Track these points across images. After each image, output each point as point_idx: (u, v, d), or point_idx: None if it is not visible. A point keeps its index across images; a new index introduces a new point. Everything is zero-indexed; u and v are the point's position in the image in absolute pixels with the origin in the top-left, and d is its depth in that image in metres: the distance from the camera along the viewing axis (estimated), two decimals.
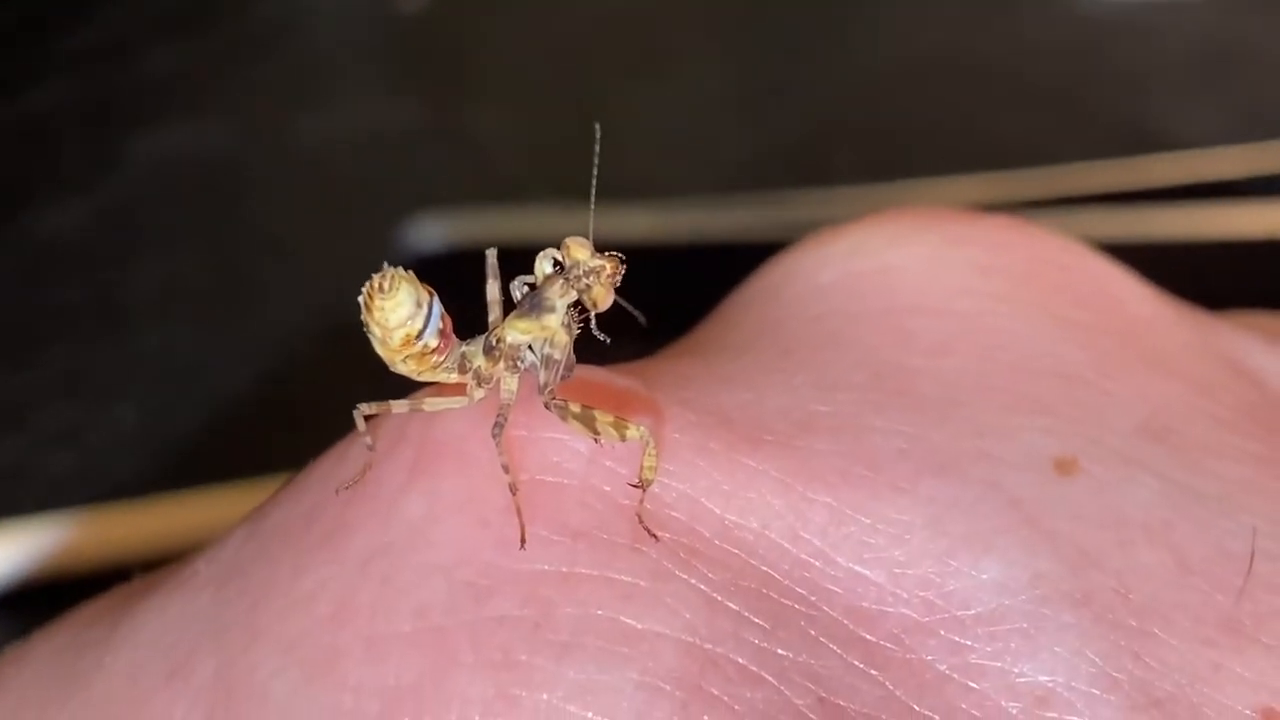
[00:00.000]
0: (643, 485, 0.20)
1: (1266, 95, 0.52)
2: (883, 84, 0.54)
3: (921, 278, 0.24)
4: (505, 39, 0.56)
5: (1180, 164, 0.46)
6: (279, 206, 0.50)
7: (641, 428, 0.20)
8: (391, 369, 0.21)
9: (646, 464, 0.20)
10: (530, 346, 0.21)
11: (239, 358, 0.45)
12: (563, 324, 0.21)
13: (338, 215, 0.50)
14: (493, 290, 0.22)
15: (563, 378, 0.21)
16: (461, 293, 0.23)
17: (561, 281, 0.21)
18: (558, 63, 0.56)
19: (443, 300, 0.21)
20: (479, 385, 0.21)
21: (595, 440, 0.20)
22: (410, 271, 0.21)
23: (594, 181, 0.21)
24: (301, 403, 0.44)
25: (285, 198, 0.51)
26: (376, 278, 0.20)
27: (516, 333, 0.21)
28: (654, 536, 0.20)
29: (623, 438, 0.20)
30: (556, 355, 0.21)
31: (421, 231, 0.49)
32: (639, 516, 0.20)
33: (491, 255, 0.22)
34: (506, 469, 0.20)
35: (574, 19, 0.58)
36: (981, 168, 0.48)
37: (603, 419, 0.20)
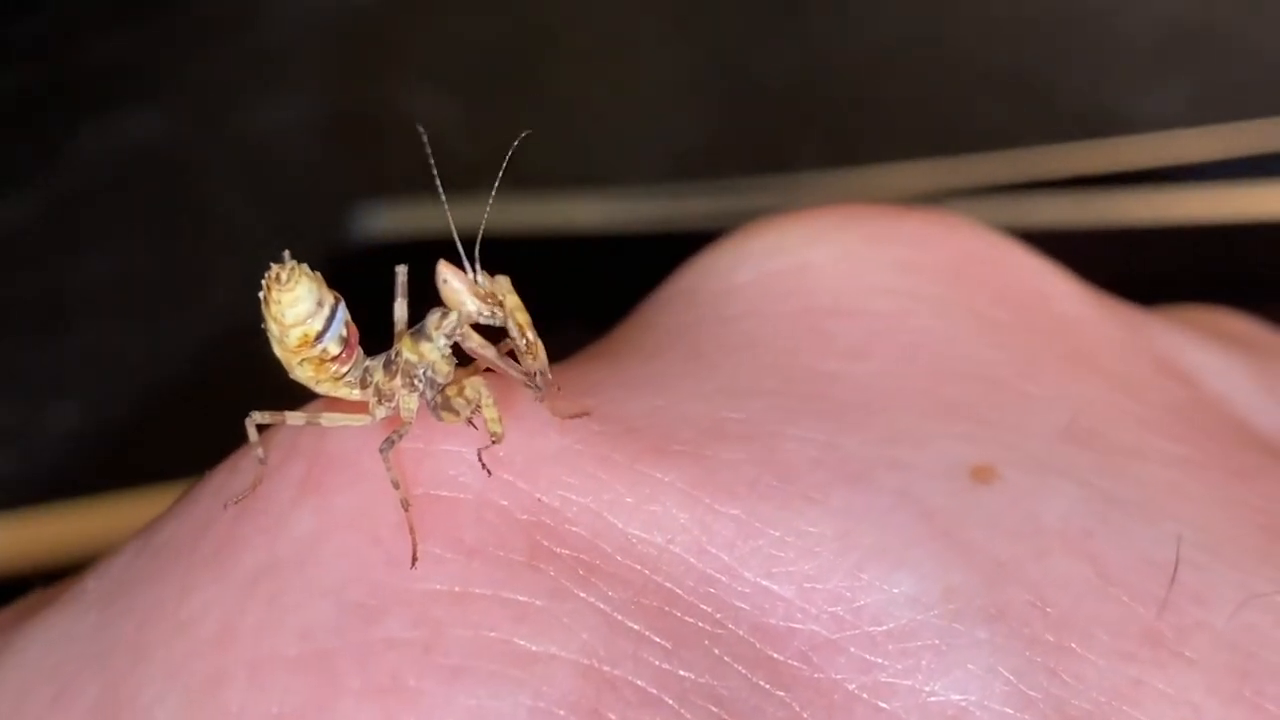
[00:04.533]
0: (495, 440, 0.19)
1: (1232, 77, 0.51)
2: (845, 68, 0.54)
3: (839, 277, 0.23)
4: (459, 25, 0.56)
5: (1144, 147, 0.46)
6: (229, 198, 0.50)
7: (475, 381, 0.19)
8: (289, 373, 0.21)
9: (490, 416, 0.19)
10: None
11: (186, 355, 0.44)
12: (442, 355, 0.20)
13: (290, 206, 0.50)
14: (400, 309, 0.21)
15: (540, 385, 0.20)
16: (411, 283, 0.22)
17: (439, 316, 0.20)
18: (512, 49, 0.55)
19: (390, 292, 0.20)
20: (380, 403, 0.20)
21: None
22: (318, 272, 0.20)
23: (490, 199, 0.21)
24: (251, 401, 0.43)
25: (236, 189, 0.50)
26: (275, 268, 0.20)
27: (408, 351, 0.20)
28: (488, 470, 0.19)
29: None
30: (439, 380, 0.20)
31: (375, 221, 0.48)
32: (481, 460, 0.19)
33: (402, 274, 0.21)
34: (397, 484, 0.19)
35: (529, 4, 0.57)
36: (944, 153, 0.47)
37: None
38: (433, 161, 0.21)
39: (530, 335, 0.20)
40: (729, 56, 0.54)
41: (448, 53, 0.55)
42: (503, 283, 0.20)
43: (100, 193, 0.48)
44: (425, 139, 0.21)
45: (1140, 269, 0.44)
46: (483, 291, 0.20)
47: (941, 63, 0.52)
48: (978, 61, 0.52)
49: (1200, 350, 0.24)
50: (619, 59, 0.54)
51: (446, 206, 0.21)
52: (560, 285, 0.43)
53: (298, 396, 0.21)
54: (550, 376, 0.20)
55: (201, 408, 0.42)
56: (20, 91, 0.51)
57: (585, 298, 0.40)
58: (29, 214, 0.48)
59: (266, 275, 0.20)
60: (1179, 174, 0.45)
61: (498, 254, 0.22)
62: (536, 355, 0.20)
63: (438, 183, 0.21)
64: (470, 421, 0.19)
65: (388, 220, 0.48)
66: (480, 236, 0.21)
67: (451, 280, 0.20)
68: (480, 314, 0.20)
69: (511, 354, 0.20)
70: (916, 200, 0.45)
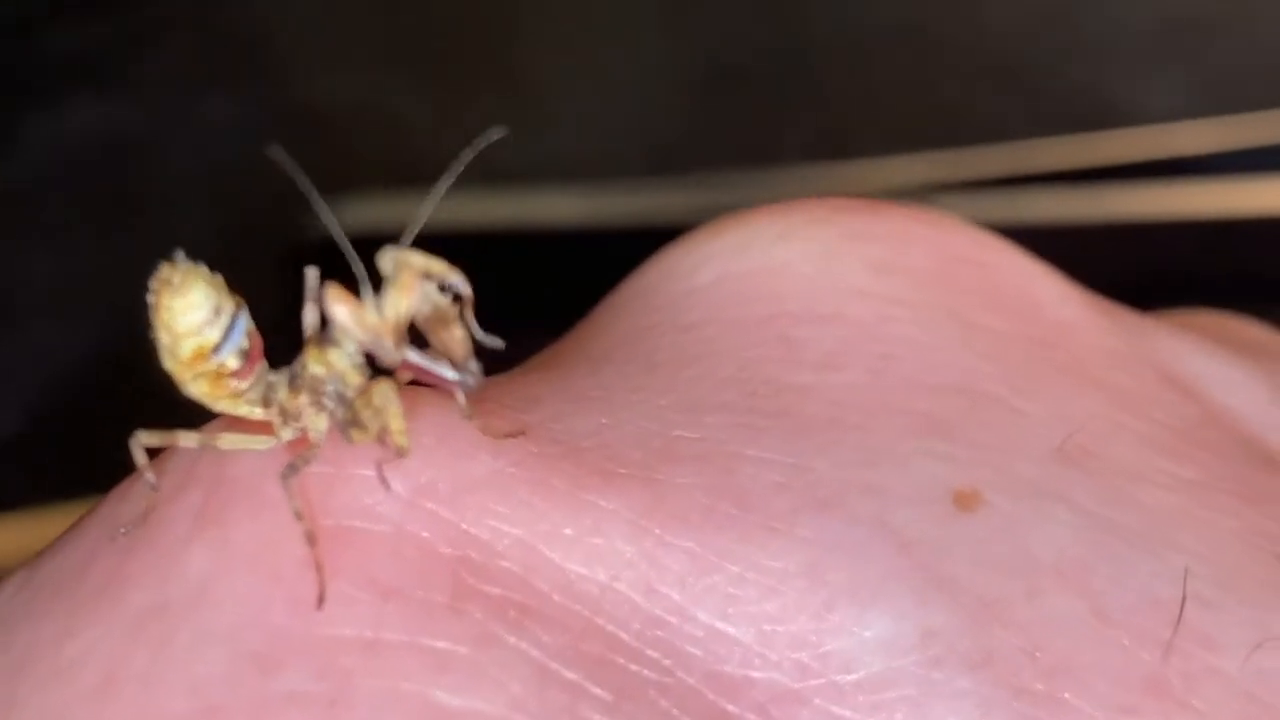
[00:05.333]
0: (400, 455, 0.17)
1: (1231, 68, 0.49)
2: (832, 56, 0.52)
3: (811, 279, 0.21)
4: (430, 15, 0.53)
5: (1141, 140, 0.44)
6: (187, 193, 0.47)
7: (383, 387, 0.17)
8: (181, 390, 0.18)
9: (395, 427, 0.17)
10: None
11: (139, 358, 0.42)
12: (352, 364, 0.18)
13: (250, 202, 0.47)
14: (310, 315, 0.19)
15: (467, 387, 0.18)
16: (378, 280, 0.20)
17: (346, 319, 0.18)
18: (489, 40, 0.53)
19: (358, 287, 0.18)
20: (285, 423, 0.18)
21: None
22: (218, 275, 0.18)
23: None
24: (198, 412, 0.41)
25: (194, 183, 0.48)
26: (166, 269, 0.17)
27: (314, 363, 0.18)
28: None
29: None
30: (349, 393, 0.18)
31: (341, 216, 0.46)
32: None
33: (312, 277, 0.19)
34: (300, 515, 0.17)
35: None
36: (936, 145, 0.46)
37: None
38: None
39: (457, 279, 0.17)
40: (709, 43, 0.52)
41: (413, 43, 0.52)
42: (401, 260, 0.18)
43: (47, 188, 0.46)
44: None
45: (1137, 266, 0.42)
46: (373, 324, 0.18)
47: (933, 51, 0.50)
48: (971, 50, 0.50)
49: (1206, 359, 0.22)
50: (593, 45, 0.52)
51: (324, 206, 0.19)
52: (531, 284, 0.41)
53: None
54: (478, 369, 0.18)
55: (155, 415, 0.40)
56: None
57: (556, 298, 0.38)
58: None
59: (155, 277, 0.17)
60: (1177, 167, 0.44)
61: (464, 251, 0.20)
62: (455, 335, 0.17)
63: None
64: (380, 438, 0.17)
65: (356, 214, 0.47)
66: (413, 232, 0.18)
67: (336, 310, 0.17)
68: (373, 345, 0.18)
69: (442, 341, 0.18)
70: (906, 195, 0.43)
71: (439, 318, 0.18)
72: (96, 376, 0.42)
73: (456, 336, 0.18)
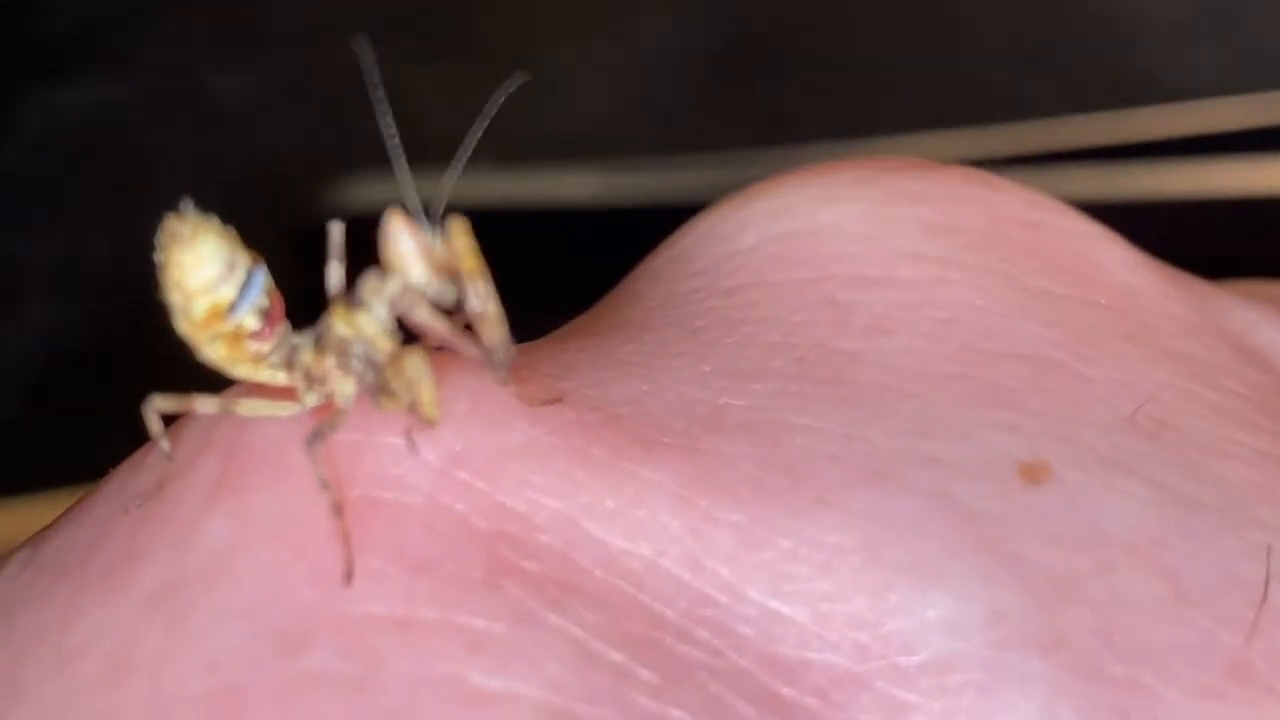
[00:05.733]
0: (429, 425, 0.16)
1: (1266, 43, 0.48)
2: (853, 31, 0.51)
3: (859, 241, 0.20)
4: None
5: (1174, 117, 0.43)
6: (191, 173, 0.46)
7: (415, 358, 0.16)
8: (197, 355, 0.17)
9: (425, 399, 0.16)
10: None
11: (140, 341, 0.41)
12: (382, 329, 0.17)
13: (257, 182, 0.46)
14: (335, 274, 0.18)
15: (500, 363, 0.17)
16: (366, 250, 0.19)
17: (375, 279, 0.17)
18: (498, 16, 0.52)
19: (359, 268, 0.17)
20: (310, 388, 0.17)
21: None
22: (231, 227, 0.17)
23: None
24: (210, 390, 0.40)
25: (199, 163, 0.47)
26: (174, 221, 0.16)
27: (341, 323, 0.17)
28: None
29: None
30: (379, 358, 0.16)
31: (349, 197, 0.46)
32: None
33: (337, 231, 0.18)
34: (327, 485, 0.16)
35: None
36: (960, 123, 0.45)
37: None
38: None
39: (482, 286, 0.17)
40: (725, 16, 0.51)
41: (421, 20, 0.51)
42: (457, 229, 0.17)
43: (50, 167, 0.45)
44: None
45: (1170, 243, 0.41)
46: (439, 259, 0.17)
47: (957, 25, 0.49)
48: (996, 24, 0.49)
49: (1275, 328, 0.21)
50: (606, 20, 0.51)
51: (398, 144, 0.18)
52: (543, 263, 0.40)
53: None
54: (513, 351, 0.17)
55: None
56: None
57: (568, 276, 0.38)
58: None
59: (162, 231, 0.16)
60: (1208, 144, 0.43)
61: (476, 229, 0.19)
62: (491, 320, 0.17)
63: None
64: (412, 407, 0.16)
65: (360, 194, 0.46)
66: (443, 208, 0.17)
67: (401, 237, 0.17)
68: (428, 286, 0.17)
69: (469, 328, 0.17)
70: None
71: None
72: (97, 358, 0.41)
73: (490, 317, 0.17)
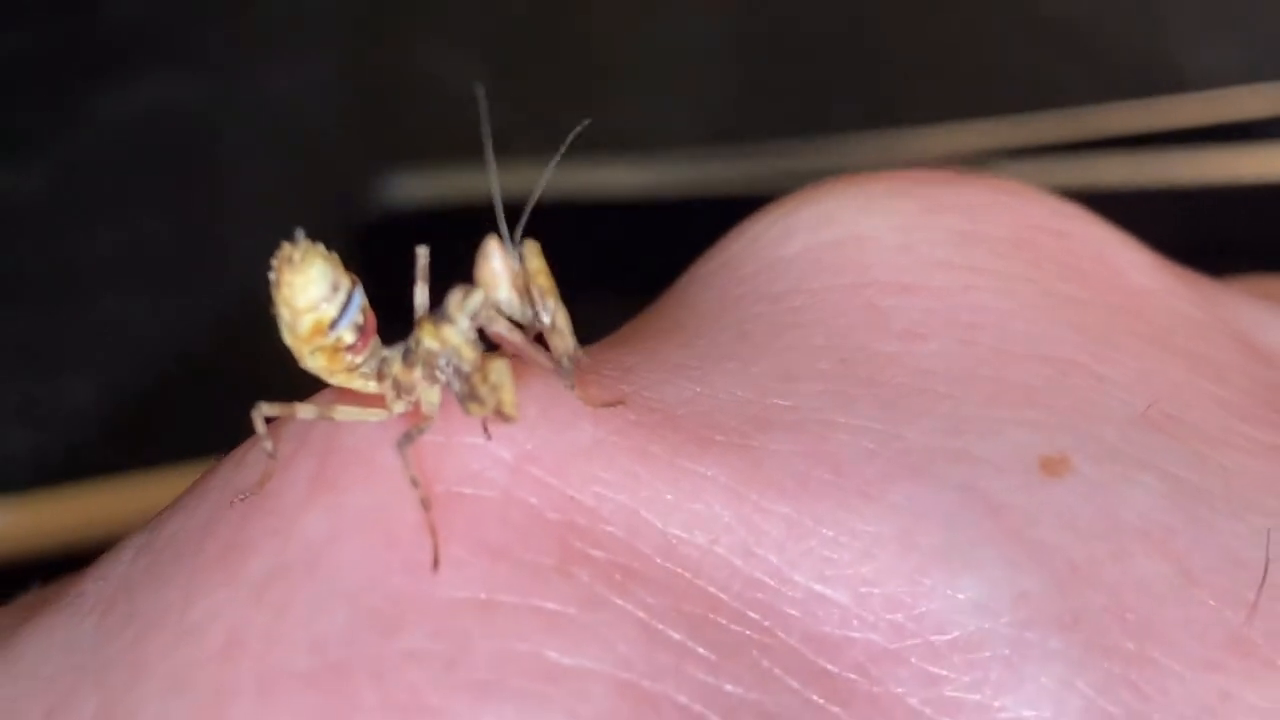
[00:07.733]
0: (507, 422, 0.18)
1: None
2: (888, 21, 0.51)
3: (895, 249, 0.21)
4: None
5: (1204, 104, 0.44)
6: (248, 165, 0.48)
7: (499, 364, 0.18)
8: (300, 363, 0.19)
9: (507, 400, 0.18)
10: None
11: (203, 328, 0.43)
12: (466, 340, 0.18)
13: (311, 173, 0.48)
14: (421, 294, 0.19)
15: (567, 370, 0.19)
16: (439, 255, 0.20)
17: (461, 295, 0.18)
18: (542, 8, 0.53)
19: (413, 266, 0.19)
20: (398, 397, 0.19)
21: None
22: (335, 252, 0.19)
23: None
24: (269, 376, 0.42)
25: (255, 155, 0.48)
26: (287, 247, 0.18)
27: (428, 338, 0.18)
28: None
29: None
30: (465, 367, 0.18)
31: (400, 188, 0.47)
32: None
33: (423, 256, 0.20)
34: (416, 482, 0.17)
35: None
36: (989, 111, 0.45)
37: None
38: (487, 130, 0.19)
39: (552, 303, 0.18)
40: (765, 9, 0.52)
41: (473, 14, 0.53)
42: (531, 251, 0.19)
43: (114, 160, 0.47)
44: (482, 102, 0.19)
45: (1200, 231, 0.42)
46: (521, 283, 0.19)
47: (990, 14, 0.50)
48: (1029, 13, 0.50)
49: None
50: (649, 15, 0.52)
51: (495, 173, 0.20)
52: (590, 254, 0.42)
53: (315, 378, 0.20)
54: (581, 354, 0.19)
55: (220, 384, 0.41)
56: (32, 54, 0.50)
57: (615, 267, 0.39)
58: (40, 183, 0.46)
59: (277, 255, 0.18)
60: (1239, 132, 0.43)
61: (526, 222, 0.20)
62: (561, 332, 0.18)
63: (489, 152, 0.19)
64: (496, 410, 0.18)
65: (413, 188, 0.47)
66: (528, 209, 0.19)
67: (495, 260, 0.18)
68: (509, 306, 0.19)
69: (540, 338, 0.19)
70: (965, 161, 0.43)
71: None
72: (166, 348, 0.43)
73: (559, 329, 0.19)
